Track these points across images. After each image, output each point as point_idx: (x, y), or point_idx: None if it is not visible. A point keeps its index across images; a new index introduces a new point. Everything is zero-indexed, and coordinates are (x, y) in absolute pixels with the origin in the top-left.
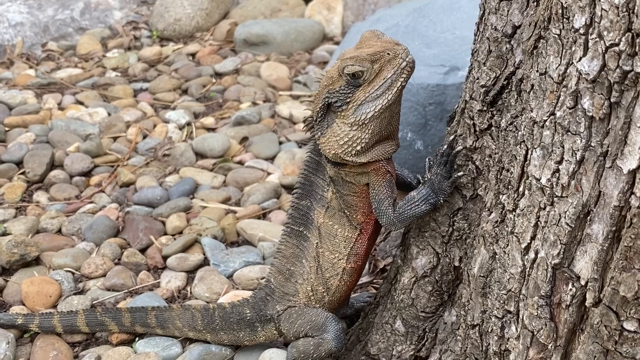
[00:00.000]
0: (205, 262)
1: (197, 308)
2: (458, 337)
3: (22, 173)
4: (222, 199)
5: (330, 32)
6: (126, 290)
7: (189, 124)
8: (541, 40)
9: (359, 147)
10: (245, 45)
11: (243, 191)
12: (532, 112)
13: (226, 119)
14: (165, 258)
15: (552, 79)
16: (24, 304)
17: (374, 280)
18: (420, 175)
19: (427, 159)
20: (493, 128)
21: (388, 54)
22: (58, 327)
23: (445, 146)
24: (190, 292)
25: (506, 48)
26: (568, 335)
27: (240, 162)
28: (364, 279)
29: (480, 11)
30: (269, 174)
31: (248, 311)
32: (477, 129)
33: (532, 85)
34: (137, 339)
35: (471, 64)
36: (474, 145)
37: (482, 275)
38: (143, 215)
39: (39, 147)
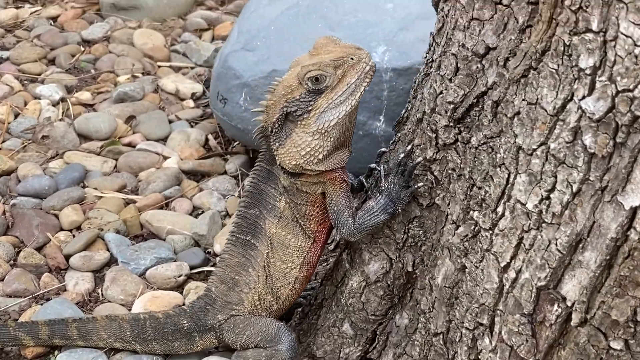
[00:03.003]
0: (111, 260)
1: (124, 318)
2: (416, 342)
3: None
4: (117, 186)
5: None
6: (30, 296)
7: (63, 99)
8: (532, 71)
9: (320, 156)
10: (113, 9)
11: (138, 177)
12: (516, 138)
13: (104, 93)
14: (67, 257)
15: (546, 110)
16: None
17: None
18: (361, 177)
19: (381, 167)
20: (459, 143)
21: (352, 58)
22: None
23: (402, 155)
24: (102, 295)
25: (477, 67)
26: (547, 350)
27: (130, 144)
28: None
29: (438, 23)
30: (165, 157)
31: (185, 321)
32: (441, 142)
33: (518, 112)
34: (55, 352)
35: (427, 74)
36: (434, 156)
37: (447, 285)
38: (33, 209)
39: None
